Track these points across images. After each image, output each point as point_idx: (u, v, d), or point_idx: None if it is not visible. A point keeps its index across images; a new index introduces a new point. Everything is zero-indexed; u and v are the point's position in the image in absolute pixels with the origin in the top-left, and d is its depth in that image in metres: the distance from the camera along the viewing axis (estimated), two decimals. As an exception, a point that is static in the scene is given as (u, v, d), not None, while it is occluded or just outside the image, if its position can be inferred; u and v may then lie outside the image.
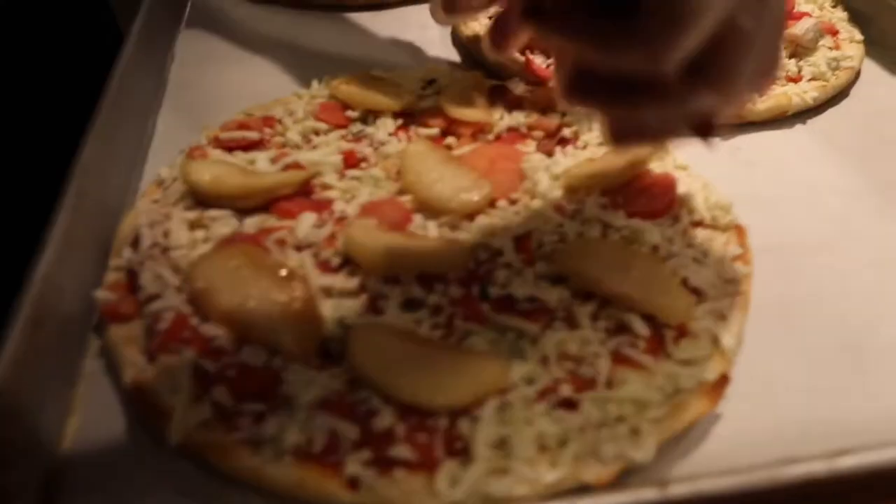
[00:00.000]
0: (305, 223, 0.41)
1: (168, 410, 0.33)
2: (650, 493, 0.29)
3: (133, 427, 0.35)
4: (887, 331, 0.38)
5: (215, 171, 0.43)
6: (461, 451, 0.31)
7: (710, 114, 0.30)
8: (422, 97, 0.51)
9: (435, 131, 0.49)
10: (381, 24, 0.67)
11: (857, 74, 0.57)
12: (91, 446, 0.34)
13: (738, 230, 0.41)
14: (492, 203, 0.42)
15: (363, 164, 0.47)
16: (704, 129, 0.31)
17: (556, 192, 0.43)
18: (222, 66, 0.61)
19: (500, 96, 0.51)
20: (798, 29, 0.55)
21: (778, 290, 0.40)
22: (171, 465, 0.33)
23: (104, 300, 0.38)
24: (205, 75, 0.60)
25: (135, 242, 0.40)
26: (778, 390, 0.35)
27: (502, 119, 0.49)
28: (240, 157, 0.46)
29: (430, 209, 0.42)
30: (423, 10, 0.70)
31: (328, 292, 0.37)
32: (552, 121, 0.48)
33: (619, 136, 0.31)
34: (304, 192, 0.44)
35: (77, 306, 0.38)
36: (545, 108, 0.50)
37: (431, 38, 0.65)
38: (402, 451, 0.30)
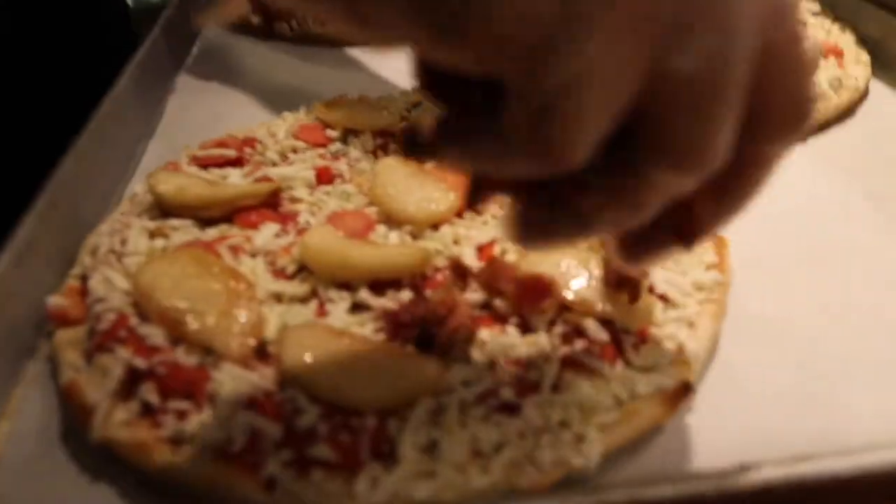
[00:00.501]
0: (266, 233, 0.40)
1: (90, 411, 0.31)
2: (586, 499, 0.26)
3: (67, 430, 0.33)
4: (866, 346, 0.35)
5: (181, 182, 0.43)
6: (387, 454, 0.29)
7: (689, 208, 0.23)
8: (405, 118, 0.51)
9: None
10: (383, 59, 0.68)
11: (865, 95, 0.54)
12: (19, 449, 0.33)
13: (718, 240, 0.39)
14: (459, 214, 0.41)
15: (338, 181, 0.46)
16: (686, 229, 0.24)
17: (527, 203, 0.41)
18: (221, 97, 0.62)
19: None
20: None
21: (760, 302, 0.37)
22: (102, 468, 0.31)
23: (54, 305, 0.37)
24: (203, 105, 0.61)
25: (95, 251, 0.40)
26: (747, 401, 0.32)
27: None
28: (214, 174, 0.46)
29: (394, 219, 0.41)
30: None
31: (278, 298, 0.36)
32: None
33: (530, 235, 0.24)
34: (271, 205, 0.43)
35: (32, 312, 0.38)
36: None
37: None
38: (322, 450, 0.28)
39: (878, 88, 0.55)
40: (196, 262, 0.36)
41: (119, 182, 0.51)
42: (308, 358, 0.31)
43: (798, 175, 0.47)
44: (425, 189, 0.42)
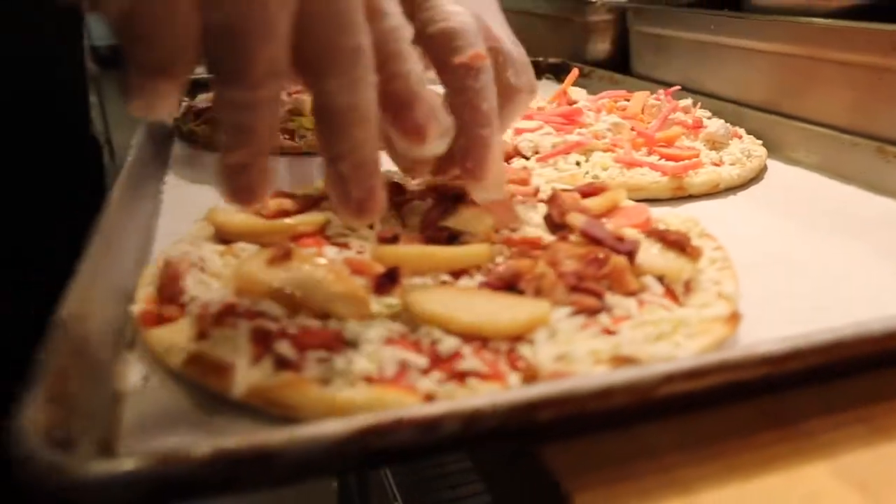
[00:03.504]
0: (330, 251, 0.44)
1: (228, 369, 0.33)
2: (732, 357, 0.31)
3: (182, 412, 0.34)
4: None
5: (241, 216, 0.46)
6: (524, 369, 0.33)
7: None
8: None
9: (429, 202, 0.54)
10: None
11: (766, 168, 0.68)
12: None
13: (708, 237, 0.47)
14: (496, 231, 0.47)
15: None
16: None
17: (547, 222, 0.48)
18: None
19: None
20: (712, 127, 0.67)
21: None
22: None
23: (145, 309, 0.39)
24: (195, 192, 0.65)
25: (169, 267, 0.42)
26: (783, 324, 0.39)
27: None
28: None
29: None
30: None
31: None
32: (530, 188, 0.55)
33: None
34: (323, 236, 0.47)
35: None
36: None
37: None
38: (472, 363, 0.32)
39: (770, 163, 0.70)
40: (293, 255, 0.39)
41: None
42: (436, 303, 0.35)
43: (738, 215, 0.58)
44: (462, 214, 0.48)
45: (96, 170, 0.83)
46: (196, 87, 0.99)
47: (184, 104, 0.91)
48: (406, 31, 0.36)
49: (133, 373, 0.36)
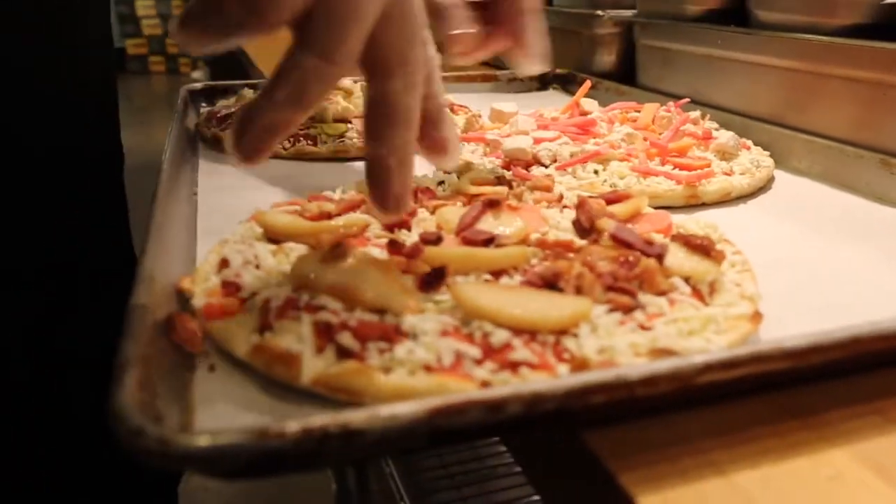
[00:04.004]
0: (375, 251, 0.47)
1: (294, 358, 0.36)
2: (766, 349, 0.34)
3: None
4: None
5: (288, 217, 0.49)
6: (572, 360, 0.35)
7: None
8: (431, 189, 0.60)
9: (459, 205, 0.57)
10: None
11: (773, 178, 0.71)
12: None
13: (727, 242, 0.50)
14: (525, 237, 0.50)
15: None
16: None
17: (578, 227, 0.51)
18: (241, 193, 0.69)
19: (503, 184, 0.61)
20: (722, 138, 0.70)
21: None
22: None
23: (211, 303, 0.41)
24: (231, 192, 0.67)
25: (226, 264, 0.44)
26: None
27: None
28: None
29: (475, 243, 0.49)
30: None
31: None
32: (554, 194, 0.58)
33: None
34: (365, 239, 0.50)
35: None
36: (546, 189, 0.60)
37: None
38: (523, 354, 0.35)
39: (777, 173, 0.73)
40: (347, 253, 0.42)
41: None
42: (488, 299, 0.38)
43: (761, 222, 0.61)
44: (492, 219, 0.51)
45: (113, 176, 0.85)
46: (216, 94, 1.01)
47: (205, 110, 0.93)
48: (437, 58, 0.42)
49: (200, 362, 0.39)
